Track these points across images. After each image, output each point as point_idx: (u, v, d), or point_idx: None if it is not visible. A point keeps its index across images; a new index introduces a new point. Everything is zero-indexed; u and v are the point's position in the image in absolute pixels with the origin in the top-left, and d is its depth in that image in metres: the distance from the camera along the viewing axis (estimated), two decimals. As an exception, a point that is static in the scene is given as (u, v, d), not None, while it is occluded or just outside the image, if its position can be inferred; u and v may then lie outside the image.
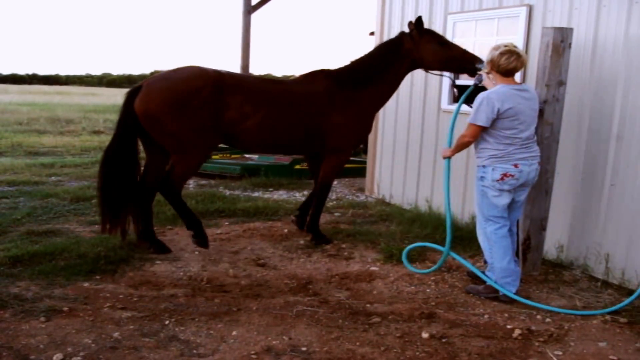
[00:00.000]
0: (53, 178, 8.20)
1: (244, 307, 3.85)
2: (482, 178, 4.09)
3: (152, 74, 6.73)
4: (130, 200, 4.83)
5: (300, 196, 7.46)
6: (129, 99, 4.65)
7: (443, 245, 4.54)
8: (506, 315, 3.85)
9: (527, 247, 4.54)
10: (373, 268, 4.74)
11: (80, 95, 38.27)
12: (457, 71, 5.11)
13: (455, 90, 5.50)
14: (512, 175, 3.98)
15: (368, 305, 3.96)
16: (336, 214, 6.58)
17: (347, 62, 5.23)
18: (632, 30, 4.26)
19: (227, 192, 7.52)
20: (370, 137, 7.58)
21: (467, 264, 4.44)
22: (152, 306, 3.80)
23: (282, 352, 3.23)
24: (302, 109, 4.98)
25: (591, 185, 4.62)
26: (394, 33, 6.88)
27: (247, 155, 9.95)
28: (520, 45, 5.11)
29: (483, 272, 4.27)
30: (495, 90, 3.97)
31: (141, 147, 4.92)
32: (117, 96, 33.04)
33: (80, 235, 5.27)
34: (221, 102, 4.66)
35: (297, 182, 8.35)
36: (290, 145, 5.23)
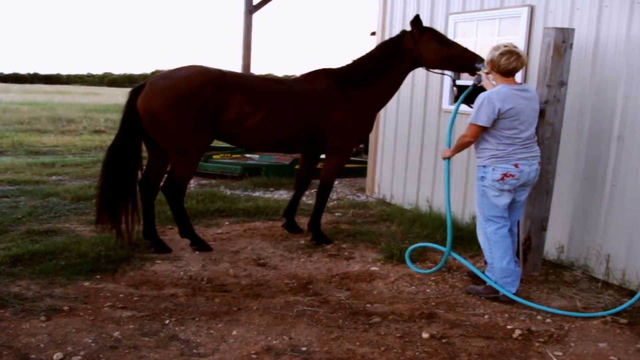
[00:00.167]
0: (54, 177, 8.21)
1: (244, 306, 3.85)
2: (482, 178, 4.09)
3: (153, 73, 6.74)
4: (129, 199, 4.83)
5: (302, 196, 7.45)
6: (132, 98, 4.69)
7: (444, 245, 4.54)
8: (506, 315, 3.85)
9: (528, 248, 4.53)
10: (373, 268, 4.74)
11: (81, 94, 38.29)
12: (457, 70, 5.08)
13: (455, 89, 5.48)
14: (513, 176, 3.98)
15: (368, 305, 3.96)
16: (337, 214, 6.58)
17: (349, 62, 5.24)
18: (634, 31, 4.26)
19: (228, 192, 7.53)
20: (371, 137, 7.59)
21: (468, 264, 4.43)
22: (152, 306, 3.80)
23: (282, 352, 3.23)
24: (302, 108, 4.99)
25: (592, 186, 4.62)
26: (395, 33, 6.86)
27: (248, 155, 9.95)
28: (521, 45, 5.11)
29: (483, 272, 4.27)
30: (496, 91, 3.97)
31: (143, 147, 4.94)
32: (118, 96, 33.13)
33: (80, 235, 5.27)
34: (222, 101, 4.68)
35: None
36: (290, 144, 5.23)
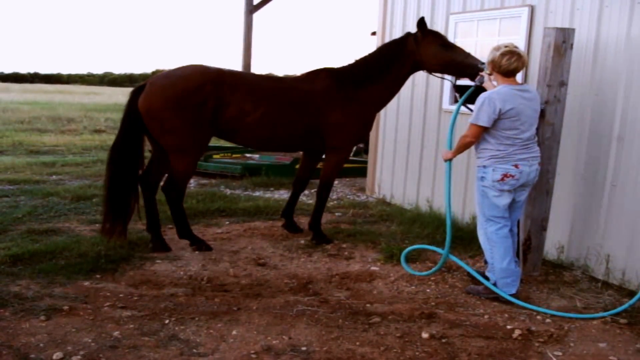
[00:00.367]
0: (54, 177, 8.21)
1: (244, 306, 3.85)
2: (482, 178, 4.09)
3: (153, 73, 6.77)
4: (133, 199, 4.89)
5: (300, 196, 7.45)
6: (133, 98, 4.75)
7: (442, 246, 4.53)
8: (506, 315, 3.85)
9: (528, 248, 4.53)
10: (373, 268, 4.73)
11: (81, 94, 38.29)
12: (458, 75, 5.00)
13: (456, 94, 5.45)
14: (513, 176, 3.97)
15: (368, 305, 3.96)
16: (337, 214, 6.58)
17: (351, 61, 5.24)
18: (634, 31, 4.26)
19: (228, 192, 7.53)
20: (372, 137, 7.59)
21: (467, 267, 4.43)
22: (152, 305, 3.80)
23: (282, 351, 3.23)
24: (302, 106, 5.01)
25: (592, 186, 4.62)
26: (395, 33, 6.89)
27: (248, 155, 9.96)
28: (521, 45, 5.10)
29: (483, 273, 4.27)
30: (497, 91, 3.96)
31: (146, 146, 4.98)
32: (118, 95, 33.14)
33: (80, 234, 5.27)
34: (221, 100, 4.71)
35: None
36: (290, 143, 5.25)
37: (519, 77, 4.39)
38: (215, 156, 9.58)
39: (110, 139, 4.97)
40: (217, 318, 3.64)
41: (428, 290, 4.28)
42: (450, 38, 5.68)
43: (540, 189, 4.42)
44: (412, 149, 6.84)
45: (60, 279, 4.15)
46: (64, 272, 4.27)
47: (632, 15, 4.26)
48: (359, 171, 8.88)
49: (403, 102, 6.92)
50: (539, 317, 3.83)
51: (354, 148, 10.10)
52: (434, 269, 4.50)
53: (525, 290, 4.26)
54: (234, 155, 9.91)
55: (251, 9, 11.37)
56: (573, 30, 4.36)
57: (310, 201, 6.84)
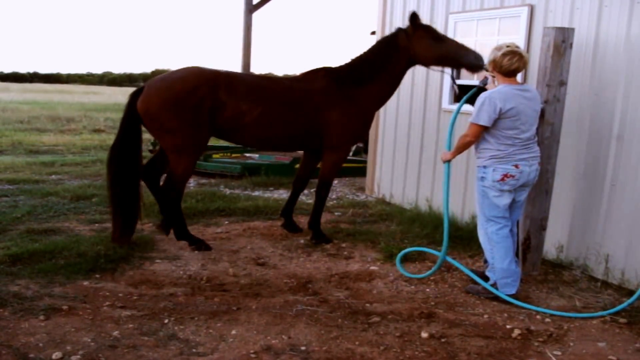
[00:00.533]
0: (53, 176, 8.21)
1: (243, 306, 3.85)
2: (482, 178, 4.09)
3: (153, 72, 6.82)
4: (138, 198, 4.97)
5: (300, 195, 7.45)
6: (132, 100, 4.85)
7: (441, 246, 4.52)
8: (505, 315, 3.85)
9: (527, 247, 4.53)
10: (373, 267, 4.73)
11: (81, 93, 38.26)
12: (453, 67, 5.05)
13: (456, 87, 5.42)
14: (513, 176, 3.97)
15: (367, 304, 3.96)
16: (336, 213, 6.57)
17: (348, 60, 5.24)
18: (634, 31, 4.26)
19: (228, 191, 7.52)
20: (371, 136, 7.59)
21: (465, 268, 4.43)
22: (151, 305, 3.80)
23: (281, 351, 3.23)
24: (300, 106, 5.03)
25: (591, 186, 4.62)
26: (395, 32, 6.87)
27: (247, 155, 9.95)
28: (521, 45, 5.10)
29: (483, 273, 4.27)
30: (497, 90, 3.96)
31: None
32: (117, 95, 33.11)
33: (80, 234, 5.27)
34: (217, 100, 4.78)
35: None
36: (288, 142, 5.28)
37: (518, 76, 4.39)
38: (214, 156, 9.58)
39: (109, 138, 4.99)
40: (216, 318, 3.64)
41: (427, 290, 4.28)
42: (446, 35, 5.66)
43: (540, 189, 4.42)
44: (412, 149, 6.84)
45: (60, 279, 4.15)
46: (64, 271, 4.27)
47: (631, 14, 4.26)
48: (358, 171, 8.87)
49: (402, 102, 6.92)
50: (538, 316, 3.83)
51: (354, 147, 10.10)
52: (429, 272, 4.49)
53: (525, 290, 4.26)
54: (233, 155, 9.91)
55: (251, 9, 11.37)
56: (572, 29, 4.36)
57: (310, 201, 6.84)
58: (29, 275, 4.19)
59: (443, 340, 3.42)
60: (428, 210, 6.32)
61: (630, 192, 4.31)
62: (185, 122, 4.68)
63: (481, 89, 4.37)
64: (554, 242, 4.90)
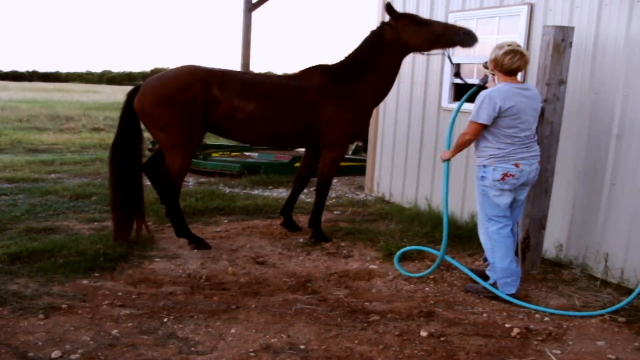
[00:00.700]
0: (52, 175, 8.20)
1: (242, 304, 3.84)
2: (482, 178, 4.08)
3: (152, 71, 6.84)
4: (140, 195, 5.00)
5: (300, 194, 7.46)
6: (129, 99, 4.94)
7: (440, 245, 4.52)
8: (505, 314, 3.85)
9: (527, 246, 4.53)
10: (372, 266, 4.73)
11: (80, 92, 38.19)
12: (445, 46, 4.99)
13: (454, 65, 5.30)
14: (513, 175, 3.97)
15: (367, 303, 3.96)
16: (335, 212, 6.57)
17: (342, 58, 5.25)
18: (633, 30, 4.25)
19: (227, 190, 7.52)
20: (370, 135, 7.58)
21: (464, 268, 4.43)
22: (150, 304, 3.80)
23: (281, 350, 3.23)
24: (295, 102, 5.06)
25: (591, 185, 4.62)
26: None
27: (247, 153, 9.94)
28: (521, 44, 5.09)
29: (483, 272, 4.27)
30: (497, 89, 3.96)
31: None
32: (117, 93, 33.04)
33: (79, 233, 5.27)
34: (210, 97, 4.83)
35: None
36: (284, 139, 5.32)
37: (518, 75, 4.39)
38: (214, 154, 9.57)
39: (109, 137, 5.02)
40: (215, 316, 3.64)
41: (427, 289, 4.28)
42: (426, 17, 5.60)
43: (539, 188, 4.42)
44: (411, 147, 6.83)
45: (59, 278, 4.14)
46: (63, 270, 4.27)
47: (631, 13, 4.26)
48: (357, 169, 8.87)
49: (402, 100, 6.92)
50: (537, 315, 3.83)
51: (353, 146, 10.09)
52: (427, 271, 4.49)
53: (524, 289, 4.26)
54: (232, 154, 9.90)
55: (250, 7, 11.37)
56: (572, 28, 4.36)
57: (309, 200, 6.84)
58: (28, 274, 4.18)
59: (442, 339, 3.42)
60: (427, 209, 6.32)
61: (629, 191, 4.31)
62: (179, 119, 4.76)
63: (481, 87, 4.36)
64: (553, 241, 4.90)
